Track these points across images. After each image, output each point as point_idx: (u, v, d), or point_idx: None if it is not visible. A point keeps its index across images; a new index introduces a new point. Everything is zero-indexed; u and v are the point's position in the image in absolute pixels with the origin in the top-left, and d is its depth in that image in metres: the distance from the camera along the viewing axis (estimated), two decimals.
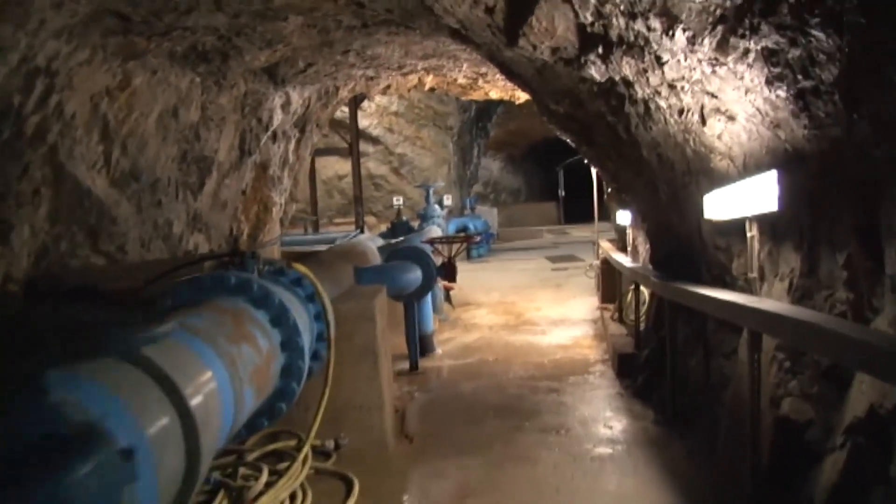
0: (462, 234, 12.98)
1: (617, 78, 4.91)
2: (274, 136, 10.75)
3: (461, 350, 9.75)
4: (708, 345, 5.14)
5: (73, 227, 7.49)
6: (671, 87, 4.33)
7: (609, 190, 12.06)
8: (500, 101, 30.26)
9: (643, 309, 8.29)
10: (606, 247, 11.97)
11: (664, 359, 6.15)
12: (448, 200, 22.42)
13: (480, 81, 12.63)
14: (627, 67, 4.52)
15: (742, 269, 4.51)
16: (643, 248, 9.81)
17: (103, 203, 7.36)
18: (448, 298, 14.67)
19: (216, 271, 4.17)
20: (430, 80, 12.88)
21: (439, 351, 9.61)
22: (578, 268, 18.29)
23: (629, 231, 9.92)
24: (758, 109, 3.76)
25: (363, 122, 21.46)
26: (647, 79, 4.47)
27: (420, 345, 9.16)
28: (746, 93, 3.73)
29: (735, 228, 4.46)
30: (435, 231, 11.91)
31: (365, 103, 21.31)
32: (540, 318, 11.94)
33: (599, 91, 5.49)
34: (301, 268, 4.49)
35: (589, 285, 15.12)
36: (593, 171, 12.32)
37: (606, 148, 7.26)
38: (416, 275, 7.60)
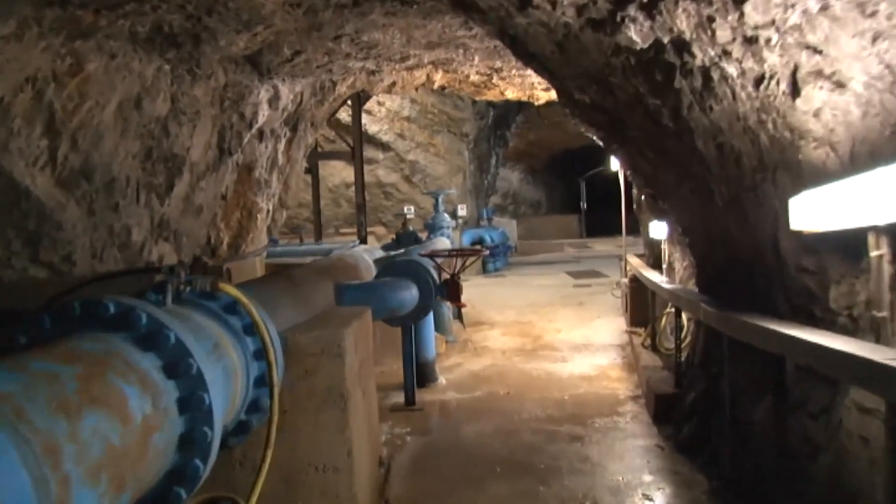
0: (469, 248, 11.76)
1: (665, 40, 3.69)
2: (260, 135, 9.60)
3: (468, 380, 8.52)
4: (785, 396, 3.88)
5: (9, 234, 6.36)
6: (749, 41, 3.10)
7: (641, 198, 10.80)
8: (519, 110, 29.10)
9: (684, 337, 7.04)
10: (636, 263, 10.71)
11: (718, 406, 4.90)
12: (463, 211, 21.23)
13: (495, 78, 11.43)
14: (684, 18, 3.30)
15: (844, 300, 3.26)
16: (680, 266, 8.55)
17: (45, 205, 6.26)
18: (459, 316, 13.46)
19: (109, 295, 2.98)
20: (439, 77, 11.70)
21: (442, 381, 8.39)
22: (602, 285, 17.03)
23: (664, 246, 8.66)
24: (889, 67, 2.52)
25: (373, 128, 20.35)
26: (713, 33, 3.24)
27: (419, 374, 7.95)
28: (875, 40, 2.50)
29: (835, 244, 3.22)
30: (443, 243, 10.72)
31: (375, 107, 20.21)
32: (560, 342, 10.69)
33: (638, 65, 4.27)
34: (230, 289, 3.28)
35: (614, 304, 13.84)
36: (621, 178, 11.08)
37: (642, 143, 6.04)
38: (411, 293, 6.39)
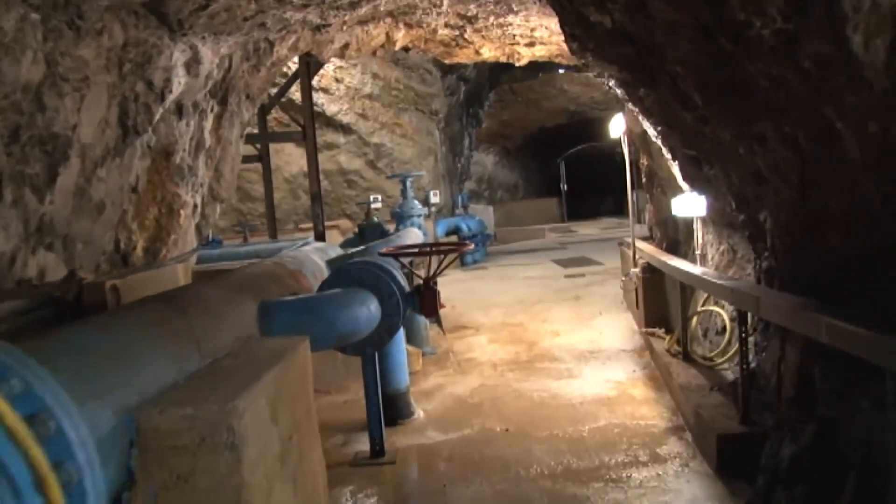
0: (447, 241, 9.97)
1: None
2: (178, 110, 7.71)
3: (454, 410, 6.76)
4: None
5: None
6: None
7: (651, 170, 9.08)
8: (492, 86, 27.30)
9: (731, 346, 5.33)
10: (649, 249, 9.00)
11: (842, 467, 3.19)
12: (435, 197, 19.41)
13: (468, 31, 9.64)
14: None
15: None
16: (714, 252, 6.82)
17: None
18: (437, 320, 11.73)
19: None
20: (401, 36, 9.90)
21: (420, 414, 6.62)
22: (597, 273, 15.34)
23: (697, 226, 6.94)
24: None
25: (331, 108, 18.47)
26: None
27: (390, 409, 6.19)
28: None
29: None
30: (413, 235, 8.94)
31: (333, 85, 18.32)
32: (561, 349, 8.95)
33: None
34: None
35: (616, 297, 12.14)
36: (625, 146, 9.34)
37: (687, 83, 4.29)
38: (369, 310, 4.61)
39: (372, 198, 18.59)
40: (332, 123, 18.49)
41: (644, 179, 9.29)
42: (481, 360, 8.80)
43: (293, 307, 4.29)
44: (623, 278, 9.19)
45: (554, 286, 14.22)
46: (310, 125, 11.64)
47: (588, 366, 8.02)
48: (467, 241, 19.53)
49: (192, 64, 7.44)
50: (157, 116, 7.13)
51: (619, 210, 42.64)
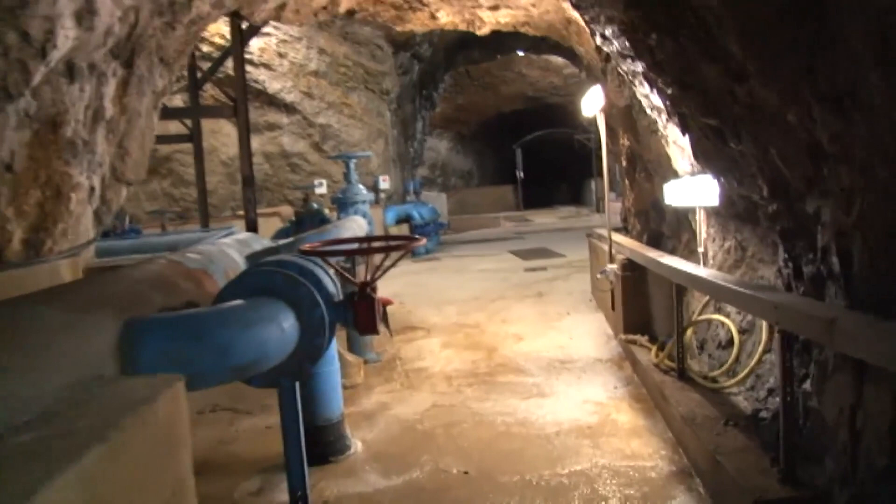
0: (392, 236, 8.67)
1: None
2: (70, 72, 6.33)
3: (400, 441, 5.51)
4: None
5: None
6: None
7: (626, 154, 7.91)
8: (448, 67, 25.99)
9: (739, 367, 4.20)
10: (629, 244, 7.84)
11: None
12: (385, 183, 18.14)
13: None
14: None
15: None
16: (717, 249, 5.68)
17: None
18: (384, 319, 10.48)
19: None
20: None
21: (357, 447, 5.36)
22: (560, 267, 14.20)
23: (699, 218, 5.76)
24: None
25: (273, 85, 17.03)
26: None
27: (318, 444, 4.93)
28: None
29: None
30: (356, 225, 7.64)
31: (276, 60, 16.87)
32: (527, 357, 7.76)
33: None
34: None
35: (582, 293, 11.03)
36: (601, 125, 8.14)
37: (725, 19, 3.09)
38: (280, 328, 3.33)
39: (316, 182, 17.27)
40: (274, 102, 17.07)
41: (625, 163, 8.12)
42: (433, 371, 7.56)
43: (169, 329, 2.99)
44: (598, 275, 8.03)
45: (513, 280, 13.03)
46: (242, 99, 10.25)
47: (560, 380, 6.82)
48: (416, 235, 18.11)
49: (85, 14, 6.01)
50: (38, 77, 5.70)
51: (576, 199, 41.84)
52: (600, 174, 35.47)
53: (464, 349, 8.40)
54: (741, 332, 5.40)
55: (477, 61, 27.18)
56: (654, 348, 6.72)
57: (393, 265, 3.97)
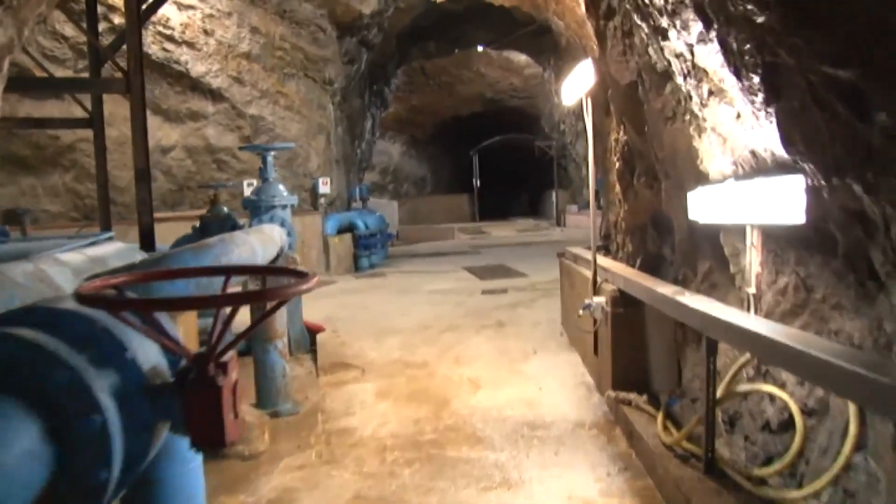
0: (248, 267, 6.82)
1: None
2: None
3: None
4: None
5: None
6: None
7: (620, 153, 6.23)
8: (401, 60, 24.24)
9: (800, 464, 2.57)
10: (620, 270, 6.19)
11: None
12: (326, 187, 16.34)
13: None
14: None
15: None
16: (767, 287, 4.05)
17: None
18: (311, 348, 8.80)
19: None
20: None
21: None
22: (522, 290, 12.54)
23: (751, 242, 4.05)
24: None
25: (197, 67, 15.13)
26: None
27: None
28: None
29: None
30: (264, 238, 5.88)
31: (200, 38, 14.97)
32: (486, 418, 6.05)
33: None
34: None
35: (550, 323, 9.41)
36: (587, 118, 6.45)
37: None
38: (13, 456, 1.60)
39: (246, 182, 15.38)
40: (198, 87, 15.16)
41: (617, 164, 6.45)
42: (363, 435, 5.82)
43: None
44: (579, 312, 6.36)
45: (469, 305, 11.33)
46: (136, 69, 8.37)
47: (531, 458, 5.12)
48: (359, 236, 16.52)
49: None
50: None
51: (534, 210, 40.35)
52: (561, 185, 34.35)
53: (406, 401, 6.66)
54: (808, 413, 3.76)
55: (433, 55, 25.56)
56: (660, 416, 5.08)
57: (262, 319, 2.22)
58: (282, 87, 15.84)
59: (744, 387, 4.21)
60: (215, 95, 15.28)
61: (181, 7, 14.56)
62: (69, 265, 4.20)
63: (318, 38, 16.10)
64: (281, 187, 7.64)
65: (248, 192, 15.33)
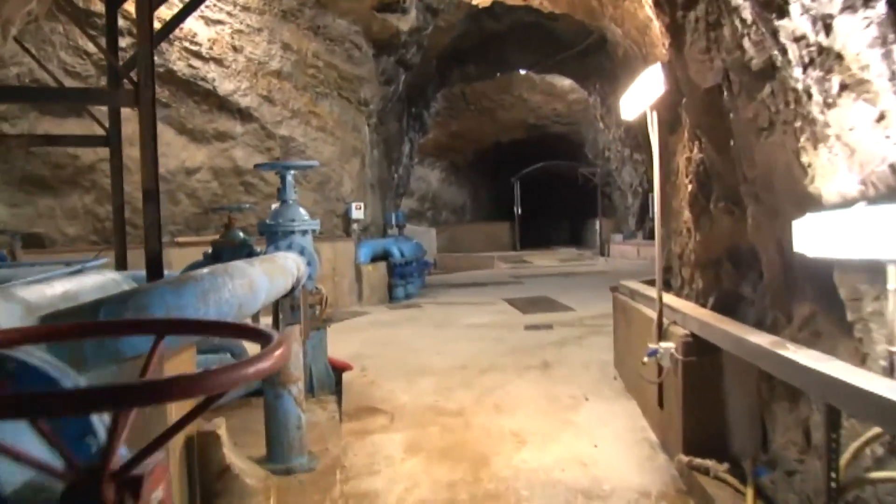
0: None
1: None
2: None
3: None
4: None
5: None
6: None
7: (693, 173, 5.35)
8: (441, 82, 23.56)
9: None
10: (691, 311, 5.29)
11: None
12: (359, 212, 15.59)
13: None
14: None
15: None
16: None
17: None
18: (336, 390, 8.02)
19: None
20: None
21: None
22: (569, 325, 11.63)
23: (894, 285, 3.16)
24: None
25: (225, 85, 14.52)
26: None
27: None
28: None
29: None
30: (283, 266, 5.10)
31: (228, 54, 14.36)
32: (532, 483, 5.16)
33: None
34: None
35: (602, 365, 8.52)
36: (652, 133, 5.59)
37: None
38: None
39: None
40: (226, 106, 14.55)
41: (689, 186, 5.56)
42: (387, 502, 4.96)
43: None
44: (644, 359, 5.47)
45: (511, 342, 10.44)
46: (147, 83, 7.67)
47: None
48: (394, 264, 15.70)
49: None
50: None
51: (576, 240, 39.32)
52: (605, 213, 33.36)
53: (439, 458, 5.79)
54: None
55: (473, 78, 24.85)
56: (749, 493, 4.18)
57: (189, 420, 1.38)
58: (314, 107, 15.17)
59: (879, 474, 3.28)
60: (244, 115, 14.66)
61: (209, 22, 13.98)
62: (23, 301, 3.42)
63: (353, 56, 15.43)
64: (302, 210, 6.84)
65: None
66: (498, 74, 25.90)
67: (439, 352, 9.90)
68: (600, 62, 21.78)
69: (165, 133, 14.35)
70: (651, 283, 8.48)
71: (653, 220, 26.59)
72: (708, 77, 4.29)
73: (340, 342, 10.76)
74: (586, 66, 22.36)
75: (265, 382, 5.83)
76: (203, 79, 14.19)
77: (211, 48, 14.09)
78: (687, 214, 5.92)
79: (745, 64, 3.83)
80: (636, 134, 24.83)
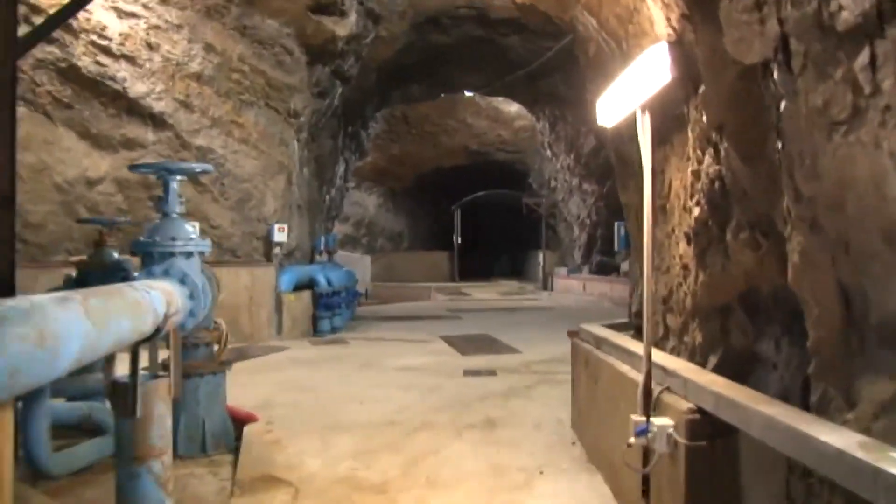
0: None
1: None
2: None
3: None
4: None
5: None
6: None
7: (695, 198, 4.01)
8: (382, 100, 22.18)
9: None
10: (698, 377, 3.95)
11: None
12: (282, 235, 14.05)
13: None
14: None
15: None
16: None
17: None
18: (235, 446, 6.60)
19: None
20: None
21: None
22: (515, 371, 10.29)
23: None
24: None
25: (137, 87, 12.93)
26: None
27: None
28: None
29: None
30: (136, 302, 3.66)
31: (142, 52, 12.81)
32: None
33: None
34: None
35: (556, 424, 7.19)
36: (647, 149, 4.28)
37: None
38: None
39: (189, 227, 13.12)
40: (137, 110, 12.96)
41: (694, 209, 4.24)
42: None
43: None
44: (629, 440, 4.10)
45: (447, 390, 9.03)
46: (7, 60, 6.14)
47: None
48: (319, 293, 14.14)
49: None
50: None
51: (518, 272, 38.27)
52: (549, 245, 32.25)
53: None
54: None
55: (416, 98, 23.58)
56: None
57: None
58: (237, 117, 13.65)
59: None
60: (156, 121, 13.07)
61: (121, 14, 12.41)
62: None
63: (283, 62, 13.96)
64: (189, 227, 5.38)
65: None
66: (442, 95, 24.70)
67: (363, 401, 8.44)
68: (553, 85, 20.72)
69: (65, 137, 12.71)
70: (619, 327, 7.19)
71: (602, 253, 25.76)
72: (754, 48, 2.99)
73: (249, 385, 9.29)
74: (537, 90, 21.26)
75: (119, 457, 4.34)
76: (112, 78, 12.59)
77: (122, 44, 12.52)
78: (683, 247, 4.62)
79: (824, 22, 2.54)
80: (587, 161, 23.84)
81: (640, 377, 4.53)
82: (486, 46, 18.32)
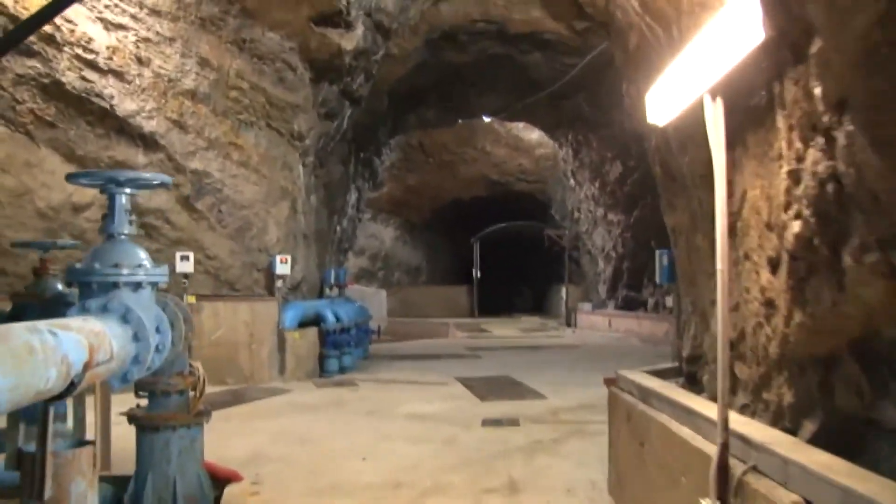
0: None
1: None
2: None
3: None
4: None
5: None
6: None
7: (799, 210, 2.99)
8: (395, 127, 21.21)
9: None
10: (808, 459, 2.88)
11: None
12: (285, 266, 13.06)
13: None
14: None
15: None
16: None
17: None
18: None
19: None
20: None
21: None
22: (540, 420, 9.20)
23: None
24: None
25: (126, 105, 12.05)
26: None
27: None
28: None
29: None
30: (55, 343, 2.68)
31: (132, 67, 11.95)
32: None
33: None
34: None
35: (589, 488, 6.09)
36: (717, 160, 3.28)
37: None
38: None
39: (180, 255, 12.26)
40: (126, 130, 12.08)
41: (793, 224, 3.21)
42: None
43: None
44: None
45: (463, 445, 7.95)
46: None
47: None
48: (326, 330, 13.20)
49: None
50: None
51: (539, 307, 37.01)
52: (572, 279, 31.13)
53: None
54: None
55: (432, 124, 22.71)
56: None
57: None
58: (236, 138, 12.74)
59: None
60: (148, 142, 12.18)
61: (109, 26, 11.56)
62: None
63: (285, 79, 13.07)
64: (140, 252, 4.36)
65: (180, 266, 12.17)
66: (459, 121, 23.82)
67: (367, 457, 7.38)
68: (576, 106, 19.79)
69: (49, 159, 11.86)
70: (665, 374, 6.12)
71: (628, 287, 24.62)
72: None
73: (240, 433, 8.30)
74: (560, 112, 20.36)
75: None
76: (99, 95, 11.73)
77: (110, 58, 11.67)
78: (766, 277, 3.57)
79: None
80: (613, 189, 22.82)
81: (709, 447, 3.48)
82: (505, 64, 17.45)
